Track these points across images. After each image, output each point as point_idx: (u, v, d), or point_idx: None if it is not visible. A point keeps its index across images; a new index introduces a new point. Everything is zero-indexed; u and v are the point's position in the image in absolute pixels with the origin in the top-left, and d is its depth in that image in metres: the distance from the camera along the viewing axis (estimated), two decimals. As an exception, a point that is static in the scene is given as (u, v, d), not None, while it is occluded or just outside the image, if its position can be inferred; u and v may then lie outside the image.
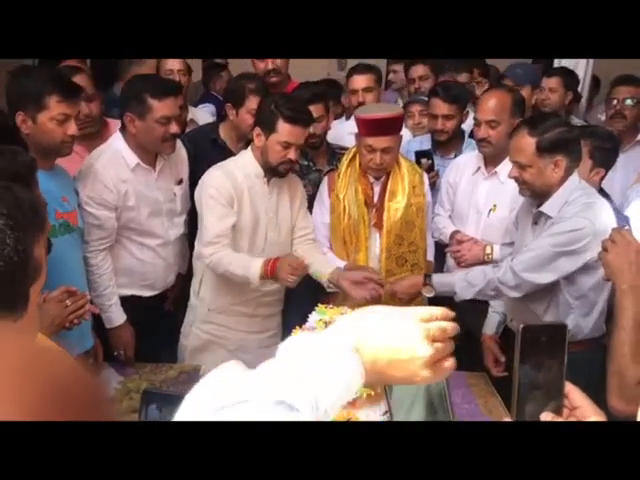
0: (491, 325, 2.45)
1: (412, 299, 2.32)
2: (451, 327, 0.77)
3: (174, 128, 2.33)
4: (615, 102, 3.25)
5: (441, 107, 2.84)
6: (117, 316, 2.43)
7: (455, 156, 2.94)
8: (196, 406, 0.69)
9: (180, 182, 2.57)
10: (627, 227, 2.05)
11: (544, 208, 2.16)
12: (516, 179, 2.18)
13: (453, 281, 2.26)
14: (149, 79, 2.38)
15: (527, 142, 2.09)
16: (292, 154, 2.30)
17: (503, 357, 2.35)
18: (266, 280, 2.28)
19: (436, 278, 2.31)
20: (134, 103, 2.29)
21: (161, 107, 2.28)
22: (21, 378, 0.44)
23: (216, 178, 2.33)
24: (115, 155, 2.36)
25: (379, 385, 0.76)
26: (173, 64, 3.44)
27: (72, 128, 2.05)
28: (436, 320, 0.77)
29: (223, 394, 0.67)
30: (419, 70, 3.71)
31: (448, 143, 2.95)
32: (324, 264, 2.48)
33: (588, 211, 2.07)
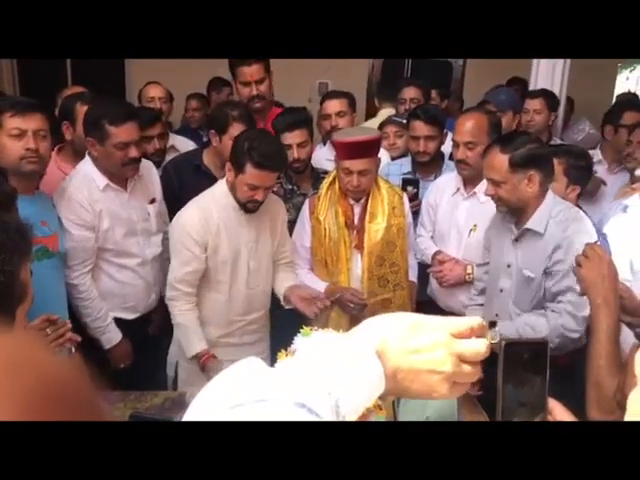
0: None
1: None
2: (485, 350, 0.73)
3: (133, 152, 2.32)
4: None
5: (422, 129, 2.83)
6: (115, 334, 2.44)
7: (435, 178, 2.93)
8: (210, 401, 0.64)
9: (153, 201, 2.56)
10: (598, 242, 2.07)
11: (531, 225, 2.16)
12: (492, 197, 2.19)
13: (518, 328, 2.18)
14: (107, 104, 2.35)
15: (500, 159, 2.11)
16: (259, 195, 2.23)
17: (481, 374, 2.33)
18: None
19: (502, 325, 2.21)
20: (94, 128, 2.28)
21: (118, 133, 2.26)
22: (10, 377, 0.42)
23: (189, 220, 2.28)
24: (85, 177, 2.36)
25: (393, 396, 0.73)
26: (155, 91, 3.45)
27: (30, 142, 2.01)
28: (472, 331, 0.73)
29: (240, 391, 0.62)
30: (411, 92, 3.71)
31: (428, 165, 2.94)
32: (283, 281, 2.50)
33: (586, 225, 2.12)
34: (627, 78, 7.54)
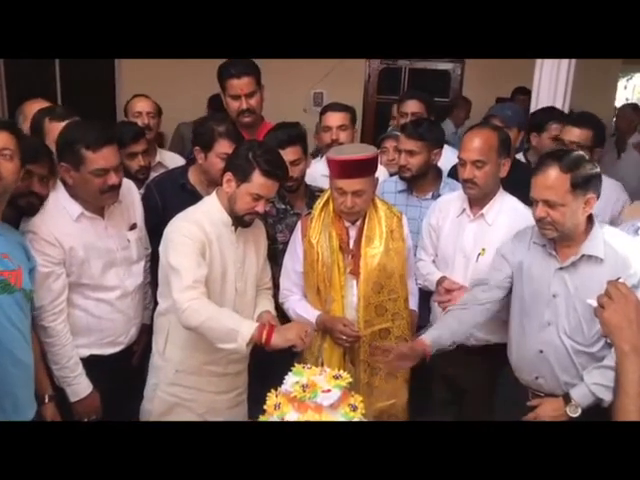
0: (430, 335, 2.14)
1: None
2: None
3: (113, 179, 2.06)
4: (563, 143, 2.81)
5: (405, 143, 2.60)
6: (84, 387, 2.16)
7: (433, 196, 2.68)
8: None
9: (133, 227, 2.29)
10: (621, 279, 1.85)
11: (588, 250, 1.93)
12: (542, 219, 1.94)
13: (592, 390, 1.92)
14: (82, 127, 2.09)
15: (560, 178, 1.87)
16: (260, 207, 2.08)
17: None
18: (252, 344, 1.96)
19: (575, 393, 1.96)
20: (68, 153, 2.03)
21: (96, 159, 2.01)
22: None
23: (186, 228, 2.05)
24: (55, 207, 2.09)
25: None
26: (142, 106, 3.21)
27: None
28: None
29: None
30: (413, 106, 3.35)
31: (423, 182, 2.68)
32: (258, 307, 2.28)
33: None
34: (625, 87, 7.38)
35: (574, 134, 2.74)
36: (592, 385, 1.92)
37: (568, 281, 1.97)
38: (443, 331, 2.14)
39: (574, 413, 1.95)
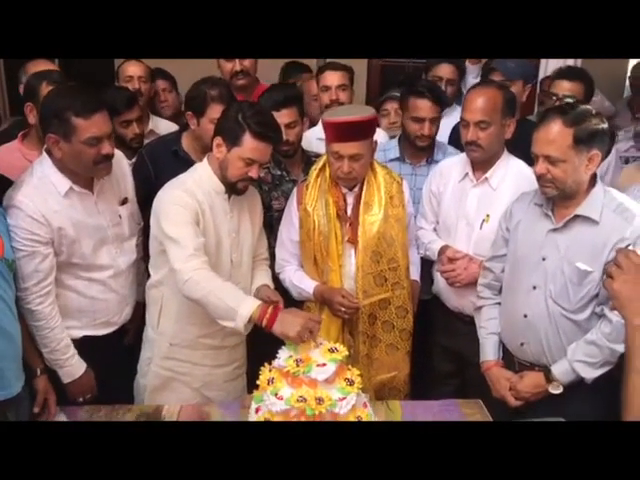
0: (490, 350, 2.08)
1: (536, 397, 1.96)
2: None
3: (107, 148, 1.91)
4: (554, 98, 2.64)
5: (428, 110, 2.39)
6: (76, 368, 2.05)
7: (427, 162, 2.53)
8: None
9: (125, 202, 2.15)
10: (631, 246, 1.71)
11: (583, 211, 1.83)
12: (542, 176, 1.83)
13: (574, 368, 1.86)
14: (71, 93, 1.92)
15: (563, 133, 1.77)
16: (254, 172, 1.95)
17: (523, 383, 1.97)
18: (251, 324, 1.83)
19: (556, 370, 1.89)
20: (56, 122, 1.86)
21: (88, 126, 1.86)
22: None
23: (178, 197, 1.94)
24: (42, 182, 1.93)
25: None
26: (134, 70, 3.06)
27: None
28: None
29: None
30: (447, 70, 3.03)
31: (422, 149, 2.52)
32: (255, 279, 2.18)
33: None
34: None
35: (564, 87, 2.63)
36: (574, 362, 1.85)
37: (560, 243, 1.86)
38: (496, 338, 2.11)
39: (556, 390, 1.89)
